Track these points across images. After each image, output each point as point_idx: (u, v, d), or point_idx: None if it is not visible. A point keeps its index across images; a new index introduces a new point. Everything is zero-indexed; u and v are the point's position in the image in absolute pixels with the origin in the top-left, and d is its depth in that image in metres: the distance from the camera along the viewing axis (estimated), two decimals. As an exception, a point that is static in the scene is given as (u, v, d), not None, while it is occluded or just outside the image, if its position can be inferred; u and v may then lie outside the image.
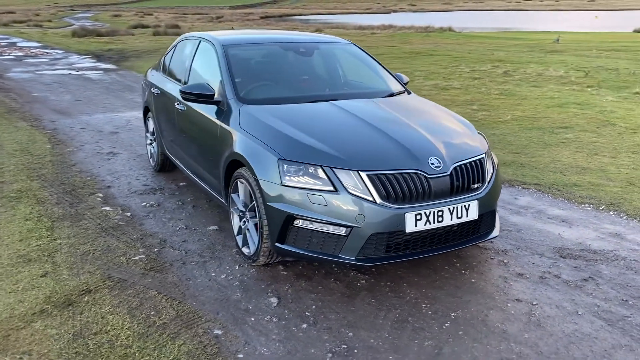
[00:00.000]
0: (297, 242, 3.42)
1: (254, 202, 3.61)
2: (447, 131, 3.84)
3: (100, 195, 5.30)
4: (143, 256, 3.97)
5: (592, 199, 5.11)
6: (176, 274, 3.71)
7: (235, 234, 4.00)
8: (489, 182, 3.66)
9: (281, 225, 3.40)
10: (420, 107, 4.35)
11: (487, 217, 3.64)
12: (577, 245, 4.12)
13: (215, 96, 4.20)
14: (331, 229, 3.30)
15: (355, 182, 3.27)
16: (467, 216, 3.47)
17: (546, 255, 3.95)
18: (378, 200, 3.25)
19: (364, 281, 3.60)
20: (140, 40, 28.99)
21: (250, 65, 4.58)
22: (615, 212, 4.78)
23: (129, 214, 4.81)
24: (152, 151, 6.17)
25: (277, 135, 3.60)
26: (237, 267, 3.81)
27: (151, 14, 72.30)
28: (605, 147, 7.27)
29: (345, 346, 2.92)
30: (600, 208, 4.88)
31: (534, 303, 3.31)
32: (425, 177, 3.35)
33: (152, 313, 3.22)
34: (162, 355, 2.83)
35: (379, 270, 3.72)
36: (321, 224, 3.30)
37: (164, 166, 5.97)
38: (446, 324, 3.11)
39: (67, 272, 3.69)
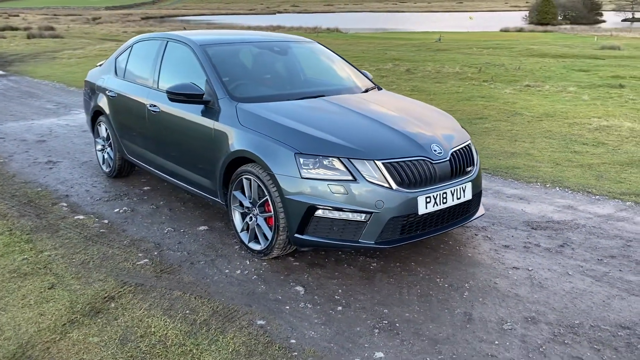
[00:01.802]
0: (317, 232, 3.57)
1: (267, 197, 3.71)
2: (435, 121, 4.19)
3: (64, 204, 5.06)
4: (147, 260, 3.91)
5: (536, 178, 5.75)
6: (190, 274, 3.72)
7: (239, 230, 4.06)
8: (476, 165, 4.05)
9: (302, 216, 3.54)
10: (402, 101, 4.68)
11: (476, 197, 4.03)
12: (542, 218, 4.66)
13: (204, 96, 4.21)
14: (351, 216, 3.50)
15: (372, 170, 3.50)
16: (464, 197, 3.83)
17: (520, 229, 4.44)
18: (394, 186, 3.51)
19: (375, 264, 3.84)
20: (16, 43, 26.94)
21: (232, 65, 4.62)
22: (561, 188, 5.43)
23: (106, 221, 4.66)
24: (105, 157, 5.94)
25: (287, 130, 3.73)
26: (247, 263, 3.89)
27: (17, 15, 66.90)
28: (522, 134, 8.10)
29: (386, 322, 3.15)
30: (547, 185, 5.52)
31: (530, 269, 3.75)
32: (431, 162, 3.66)
33: (187, 312, 3.23)
34: (220, 349, 2.87)
35: (384, 254, 3.98)
36: (341, 212, 3.49)
37: (122, 171, 5.79)
38: (465, 294, 3.44)
39: (76, 282, 3.55)
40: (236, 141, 3.92)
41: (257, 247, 3.91)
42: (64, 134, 8.12)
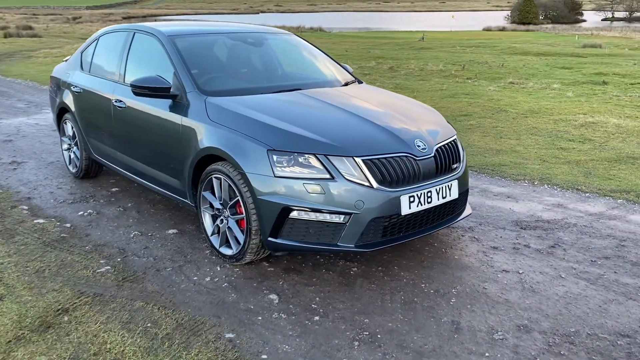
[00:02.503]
0: (292, 235, 3.30)
1: (238, 197, 3.43)
2: (419, 116, 3.94)
3: (25, 207, 4.72)
4: (108, 267, 3.61)
5: (524, 176, 5.53)
6: (155, 282, 3.42)
7: (209, 234, 3.77)
8: (463, 162, 3.81)
9: (275, 218, 3.27)
10: (384, 95, 4.43)
11: (462, 196, 3.78)
12: (530, 217, 4.44)
13: (172, 90, 3.92)
14: (328, 217, 3.23)
15: (351, 168, 3.24)
16: (450, 195, 3.58)
17: (508, 229, 4.20)
18: (375, 185, 3.25)
19: (355, 269, 3.58)
20: (-8, 42, 26.28)
21: (202, 57, 4.33)
22: (550, 186, 5.22)
23: (68, 225, 4.34)
24: (71, 157, 5.61)
25: (260, 125, 3.45)
26: (218, 269, 3.60)
27: (-5, 15, 65.67)
28: (507, 131, 7.90)
29: (367, 333, 2.88)
30: (535, 183, 5.31)
31: (520, 272, 3.51)
32: (414, 159, 3.40)
33: (148, 325, 2.94)
34: (182, 367, 2.59)
35: (365, 257, 3.72)
36: (319, 213, 3.22)
37: (89, 172, 5.46)
38: (452, 300, 3.19)
39: (27, 293, 3.24)
40: (205, 138, 3.63)
41: (228, 252, 3.63)
42: (33, 133, 7.75)
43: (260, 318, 3.03)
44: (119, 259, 3.74)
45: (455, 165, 3.70)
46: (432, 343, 2.78)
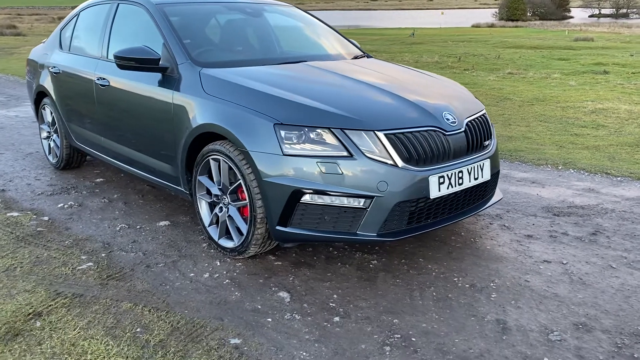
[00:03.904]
0: (304, 223, 2.84)
1: (240, 181, 2.96)
2: (443, 88, 3.50)
3: (-3, 200, 4.22)
4: (91, 263, 3.13)
5: (545, 161, 5.11)
6: (145, 280, 2.95)
7: (207, 224, 3.30)
8: (494, 139, 3.38)
9: (285, 203, 2.80)
10: (401, 68, 3.98)
11: (494, 178, 3.35)
12: (561, 203, 4.01)
13: (161, 62, 3.44)
14: (346, 201, 2.77)
15: (372, 144, 2.78)
16: (482, 177, 3.15)
17: (540, 215, 3.77)
18: (400, 163, 2.80)
19: (375, 261, 3.13)
20: (-25, 40, 25.55)
21: (195, 27, 3.85)
22: (575, 170, 4.80)
23: (46, 218, 3.85)
24: (51, 145, 5.11)
25: (264, 97, 2.99)
26: (218, 264, 3.13)
27: (-22, 15, 64.52)
28: (515, 118, 7.50)
29: (399, 335, 2.43)
30: (559, 167, 4.89)
31: (564, 262, 3.08)
32: (443, 134, 2.96)
33: (137, 330, 2.46)
34: (180, 381, 2.12)
35: (385, 249, 3.27)
36: (335, 197, 2.76)
37: (71, 162, 4.96)
38: (492, 295, 2.75)
39: (-6, 295, 2.75)
40: (200, 114, 3.16)
41: (229, 244, 3.16)
42: (11, 125, 7.22)
43: (270, 320, 2.57)
44: (103, 255, 3.26)
45: (487, 142, 3.26)
46: (477, 346, 2.34)
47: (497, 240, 3.38)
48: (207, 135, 3.17)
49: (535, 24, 47.12)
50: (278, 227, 2.87)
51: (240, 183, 2.98)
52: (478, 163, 3.10)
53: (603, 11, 75.78)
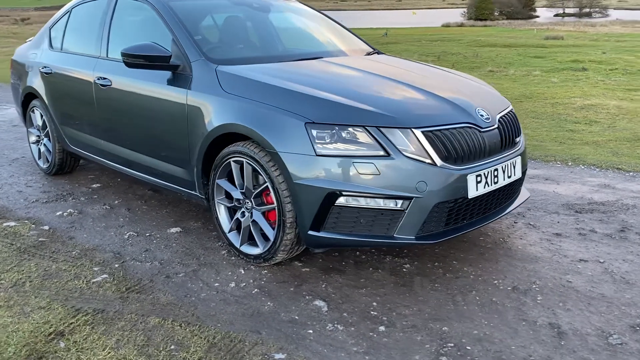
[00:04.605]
0: (338, 227, 2.69)
1: (267, 183, 2.79)
2: (469, 84, 3.39)
3: (-11, 209, 3.95)
4: (106, 275, 2.92)
5: (552, 157, 5.07)
6: (167, 292, 2.75)
7: (226, 231, 3.12)
8: (522, 135, 3.28)
9: (319, 206, 2.65)
10: (417, 64, 3.85)
11: (523, 176, 3.25)
12: (580, 199, 3.95)
13: (171, 59, 3.24)
14: (382, 203, 2.63)
15: (409, 143, 2.65)
16: (514, 174, 3.05)
17: (562, 213, 3.70)
18: (439, 162, 2.67)
19: (408, 265, 3.00)
20: None
21: (204, 22, 3.67)
22: (585, 166, 4.77)
23: (46, 228, 3.61)
24: (41, 150, 4.83)
25: (292, 95, 2.82)
26: (242, 272, 2.96)
27: (-64, 17, 62.35)
28: (507, 116, 7.47)
29: (452, 344, 2.30)
30: (569, 164, 4.84)
31: (601, 261, 3.00)
32: (479, 131, 2.84)
33: (172, 348, 2.28)
34: (231, 404, 1.95)
35: (415, 252, 3.14)
36: (370, 199, 2.62)
37: (63, 167, 4.70)
38: (538, 298, 2.64)
39: (6, 314, 2.52)
40: (219, 113, 2.98)
41: (254, 250, 2.99)
42: (-10, 130, 6.86)
43: (311, 331, 2.41)
44: (116, 265, 3.05)
45: (518, 139, 3.16)
46: (537, 353, 2.22)
47: (526, 240, 3.29)
48: (227, 135, 2.99)
49: (503, 23, 47.81)
50: (310, 232, 2.71)
51: (266, 186, 2.81)
52: (511, 160, 3.00)
53: (567, 10, 77.50)
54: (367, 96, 2.85)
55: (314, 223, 2.69)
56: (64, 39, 4.46)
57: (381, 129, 2.64)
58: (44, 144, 4.77)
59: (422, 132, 2.67)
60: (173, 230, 3.54)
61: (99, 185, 4.51)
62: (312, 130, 2.65)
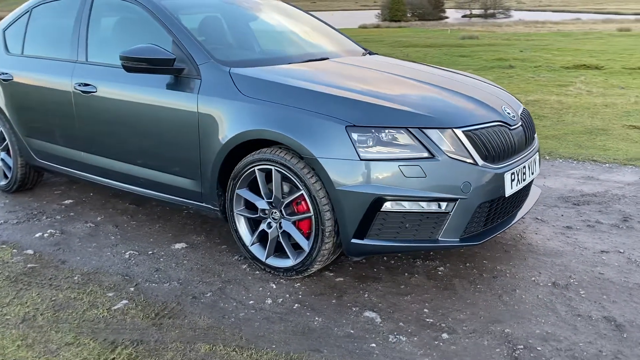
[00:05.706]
0: (382, 233, 2.59)
1: (302, 191, 2.64)
2: (481, 83, 3.39)
3: (-47, 235, 3.50)
4: (125, 301, 2.64)
5: (528, 152, 5.21)
6: (201, 314, 2.53)
7: (249, 244, 2.93)
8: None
9: (364, 213, 2.53)
10: (423, 65, 3.82)
11: (535, 172, 3.29)
12: (572, 192, 4.08)
13: (175, 62, 3.00)
14: (426, 206, 2.56)
15: (450, 143, 2.59)
16: (536, 171, 3.08)
17: (561, 206, 3.80)
18: (480, 162, 2.63)
19: (442, 268, 2.95)
20: None
21: (202, 22, 3.43)
22: (562, 159, 4.94)
23: (30, 252, 3.24)
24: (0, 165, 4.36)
25: (325, 97, 2.68)
26: (273, 286, 2.78)
27: None
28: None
29: (522, 346, 2.27)
30: (547, 158, 5.00)
31: (621, 251, 3.09)
32: (509, 128, 2.84)
33: (236, 377, 2.08)
34: None
35: (439, 253, 3.10)
36: (416, 202, 2.54)
37: (25, 183, 4.27)
38: (581, 292, 2.67)
39: (29, 354, 2.21)
40: (240, 119, 2.79)
41: (283, 263, 2.82)
42: None
43: (374, 345, 2.29)
44: (131, 289, 2.77)
45: (535, 136, 3.20)
46: (606, 349, 2.23)
47: (542, 234, 3.34)
48: (248, 143, 2.80)
49: (416, 24, 49.47)
50: (354, 240, 2.59)
51: (301, 194, 2.66)
52: (533, 157, 3.03)
53: (474, 12, 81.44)
54: (399, 97, 2.77)
55: (358, 230, 2.57)
56: (24, 42, 4.03)
57: (424, 130, 2.57)
58: (2, 159, 4.30)
59: (463, 131, 2.62)
60: (178, 246, 3.29)
61: (71, 201, 4.12)
62: (353, 134, 2.53)
